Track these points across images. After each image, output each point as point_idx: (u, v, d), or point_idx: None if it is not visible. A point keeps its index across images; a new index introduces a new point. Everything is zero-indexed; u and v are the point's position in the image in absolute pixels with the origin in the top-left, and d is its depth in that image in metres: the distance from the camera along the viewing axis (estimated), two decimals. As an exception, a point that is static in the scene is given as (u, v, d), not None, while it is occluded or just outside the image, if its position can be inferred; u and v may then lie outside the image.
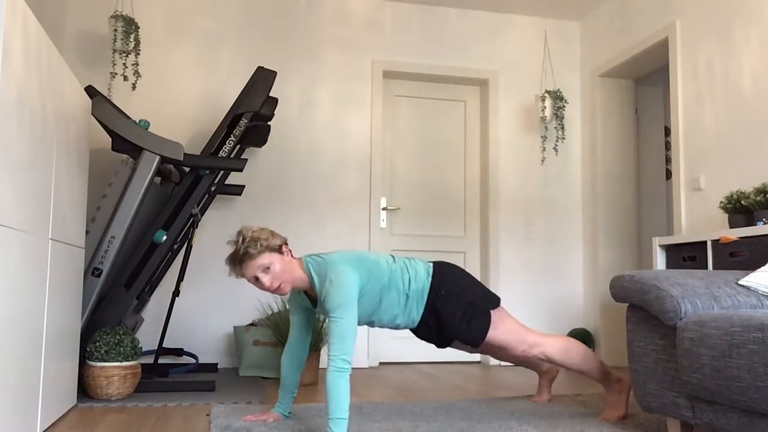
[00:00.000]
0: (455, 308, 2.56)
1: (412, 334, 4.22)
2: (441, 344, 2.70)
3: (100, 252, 3.29)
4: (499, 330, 2.61)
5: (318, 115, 4.73)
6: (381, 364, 4.78)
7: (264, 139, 3.98)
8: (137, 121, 3.60)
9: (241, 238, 2.43)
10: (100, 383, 3.08)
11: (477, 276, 5.04)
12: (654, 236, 4.61)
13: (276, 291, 2.44)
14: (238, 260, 2.42)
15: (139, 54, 4.13)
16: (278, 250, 2.45)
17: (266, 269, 2.41)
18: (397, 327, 2.65)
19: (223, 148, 3.64)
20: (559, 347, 2.64)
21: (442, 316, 2.57)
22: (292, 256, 2.52)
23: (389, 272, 2.54)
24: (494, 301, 2.63)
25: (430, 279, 2.59)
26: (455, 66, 5.00)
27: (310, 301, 2.60)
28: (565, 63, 5.21)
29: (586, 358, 2.67)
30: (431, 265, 2.65)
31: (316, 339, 3.74)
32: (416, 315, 2.60)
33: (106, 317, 3.37)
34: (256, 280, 2.42)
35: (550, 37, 5.21)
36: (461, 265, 5.00)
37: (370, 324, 2.64)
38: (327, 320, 2.37)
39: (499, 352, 2.90)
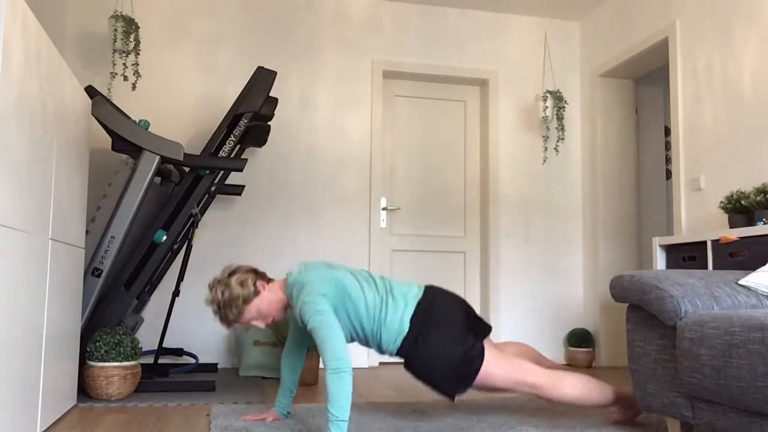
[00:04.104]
0: (431, 361, 2.37)
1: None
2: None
3: (100, 252, 3.29)
4: (495, 377, 2.40)
5: (318, 115, 4.73)
6: (381, 364, 4.78)
7: (264, 139, 3.99)
8: (137, 121, 3.60)
9: (215, 307, 2.42)
10: (100, 383, 3.08)
11: (477, 276, 5.04)
12: (654, 236, 4.61)
13: (272, 323, 2.46)
14: (224, 323, 2.45)
15: (139, 54, 4.13)
16: (254, 294, 2.41)
17: (253, 319, 2.45)
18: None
19: (223, 148, 3.64)
20: (560, 392, 2.39)
21: (413, 363, 2.41)
22: (267, 281, 2.49)
23: (364, 306, 2.40)
24: (477, 363, 2.37)
25: (408, 325, 2.39)
26: (455, 66, 5.00)
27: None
28: (565, 63, 5.21)
29: (590, 391, 2.42)
30: (414, 307, 2.42)
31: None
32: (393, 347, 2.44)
33: (106, 317, 3.37)
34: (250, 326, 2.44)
35: (550, 37, 5.21)
36: (461, 265, 5.02)
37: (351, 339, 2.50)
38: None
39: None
